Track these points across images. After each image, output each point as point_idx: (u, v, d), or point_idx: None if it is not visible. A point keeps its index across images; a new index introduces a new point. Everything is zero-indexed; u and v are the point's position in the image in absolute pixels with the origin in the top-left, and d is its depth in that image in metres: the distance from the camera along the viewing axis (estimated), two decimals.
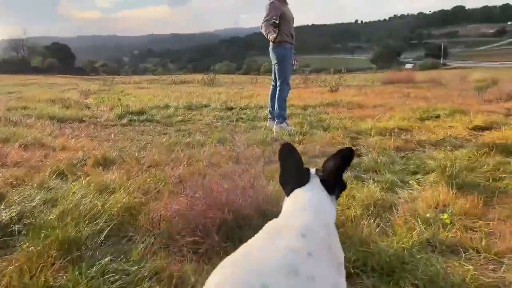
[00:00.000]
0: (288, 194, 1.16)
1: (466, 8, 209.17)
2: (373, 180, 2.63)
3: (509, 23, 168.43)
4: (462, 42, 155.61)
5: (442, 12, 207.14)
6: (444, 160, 2.77)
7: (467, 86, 14.06)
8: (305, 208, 1.06)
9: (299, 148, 3.69)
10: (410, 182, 2.61)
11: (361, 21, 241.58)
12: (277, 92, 4.97)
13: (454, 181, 2.42)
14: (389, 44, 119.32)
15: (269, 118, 5.21)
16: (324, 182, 1.13)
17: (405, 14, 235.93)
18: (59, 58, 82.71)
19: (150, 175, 2.72)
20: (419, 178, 2.69)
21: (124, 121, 5.73)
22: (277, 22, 4.70)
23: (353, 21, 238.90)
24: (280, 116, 4.95)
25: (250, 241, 0.92)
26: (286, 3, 5.00)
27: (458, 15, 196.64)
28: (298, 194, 1.12)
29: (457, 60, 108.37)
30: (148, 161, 3.15)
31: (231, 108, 7.05)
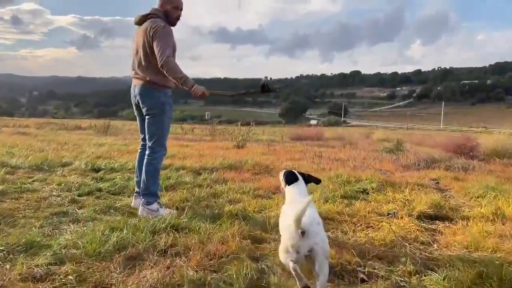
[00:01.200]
0: (289, 185, 2.49)
1: (362, 73, 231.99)
2: None
3: (397, 88, 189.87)
4: (359, 103, 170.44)
5: (342, 75, 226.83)
6: None
7: (375, 145, 13.82)
8: (302, 192, 2.40)
9: (157, 272, 2.00)
10: None
11: (270, 78, 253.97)
12: (146, 157, 3.30)
13: None
14: (296, 101, 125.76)
15: (135, 193, 3.48)
16: (304, 179, 2.54)
17: (310, 74, 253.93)
18: None
19: None
20: None
21: None
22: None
23: (263, 77, 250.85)
24: (149, 193, 3.23)
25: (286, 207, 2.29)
26: None
27: (355, 78, 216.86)
28: (296, 186, 2.45)
29: (356, 118, 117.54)
30: None
31: (98, 170, 5.15)
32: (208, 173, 5.30)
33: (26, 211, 3.11)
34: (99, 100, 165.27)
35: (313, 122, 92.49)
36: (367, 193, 4.31)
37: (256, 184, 4.60)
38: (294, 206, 2.03)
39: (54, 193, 3.71)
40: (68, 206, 3.30)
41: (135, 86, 3.34)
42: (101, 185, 4.10)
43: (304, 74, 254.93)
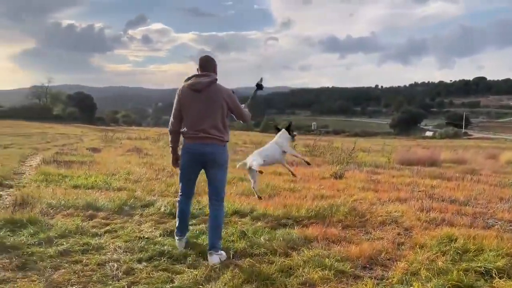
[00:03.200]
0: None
1: (488, 79, 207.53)
2: None
3: None
4: (484, 113, 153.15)
5: (463, 82, 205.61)
6: None
7: (503, 174, 11.71)
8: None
9: None
10: None
11: (381, 86, 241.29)
12: (219, 209, 3.71)
13: None
14: (409, 110, 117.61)
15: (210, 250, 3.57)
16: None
17: (426, 82, 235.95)
18: (80, 107, 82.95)
19: None
20: None
21: None
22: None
23: (373, 85, 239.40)
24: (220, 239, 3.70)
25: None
26: None
27: (480, 85, 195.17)
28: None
29: (480, 130, 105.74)
30: None
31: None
32: (290, 225, 4.68)
33: (74, 286, 2.86)
34: None
35: (428, 133, 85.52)
36: (491, 276, 3.26)
37: (343, 250, 3.83)
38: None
39: (115, 256, 3.45)
40: (118, 281, 2.98)
41: (207, 145, 3.56)
42: (166, 245, 3.74)
43: (419, 82, 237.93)
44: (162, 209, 5.09)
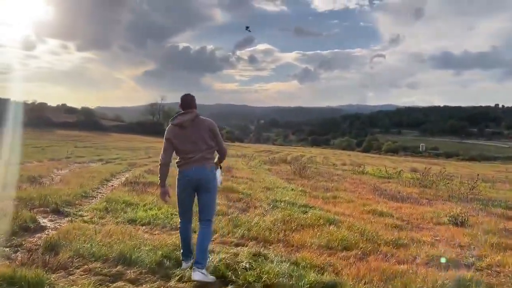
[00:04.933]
0: None
1: None
2: None
3: None
4: None
5: None
6: None
7: None
8: None
9: None
10: None
11: (503, 106, 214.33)
12: (207, 229, 3.81)
13: None
14: None
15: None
16: None
17: None
18: None
19: None
20: None
21: None
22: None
23: (493, 105, 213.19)
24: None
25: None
26: None
27: None
28: None
29: None
30: None
31: (229, 282, 3.52)
32: None
33: None
34: (313, 129, 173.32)
35: None
36: None
37: None
38: None
39: None
40: None
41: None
42: None
43: None
44: (211, 267, 3.77)
